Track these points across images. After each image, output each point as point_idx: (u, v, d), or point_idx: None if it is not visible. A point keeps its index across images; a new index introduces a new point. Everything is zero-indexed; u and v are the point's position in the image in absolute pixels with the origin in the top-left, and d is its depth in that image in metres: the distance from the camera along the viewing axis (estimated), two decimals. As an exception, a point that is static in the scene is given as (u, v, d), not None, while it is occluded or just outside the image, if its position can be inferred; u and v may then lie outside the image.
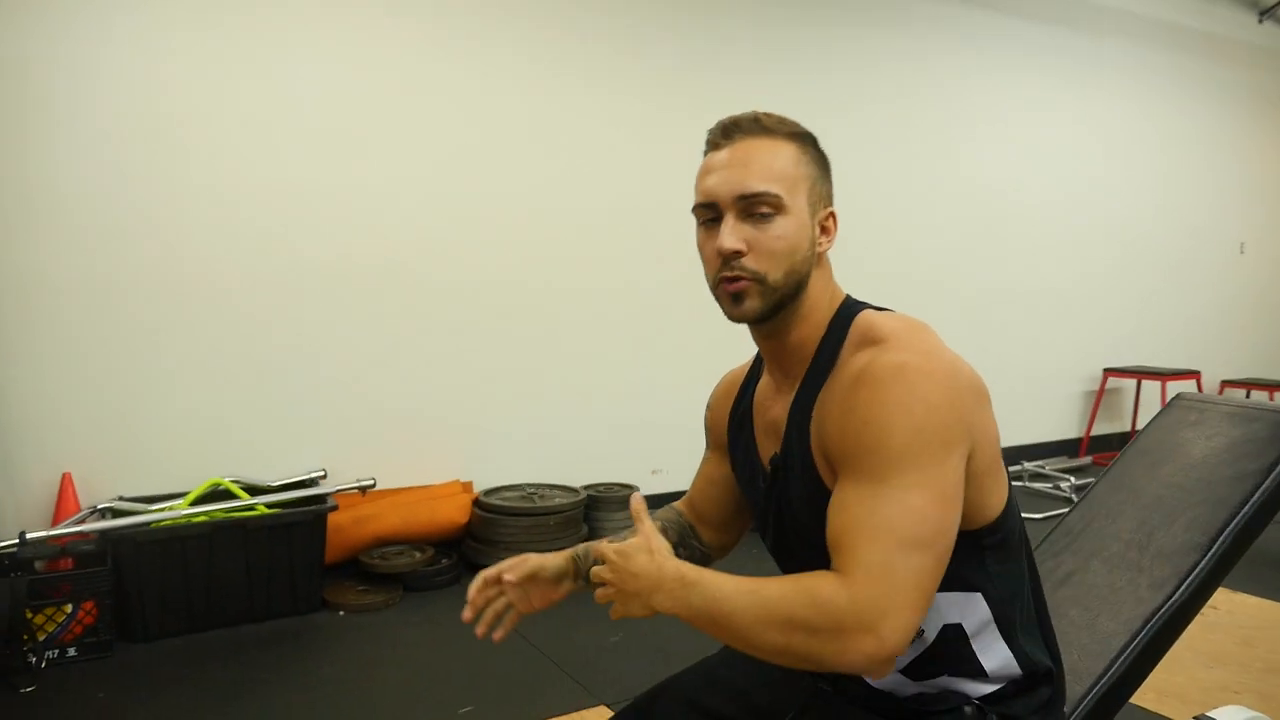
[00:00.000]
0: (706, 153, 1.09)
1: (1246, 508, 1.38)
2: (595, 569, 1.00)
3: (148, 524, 2.82)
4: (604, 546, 1.01)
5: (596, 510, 3.76)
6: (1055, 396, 5.61)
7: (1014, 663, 1.06)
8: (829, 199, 1.09)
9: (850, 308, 1.09)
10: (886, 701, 1.10)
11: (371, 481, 3.29)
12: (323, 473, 3.33)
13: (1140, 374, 5.50)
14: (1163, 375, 5.41)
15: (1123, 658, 1.27)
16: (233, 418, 3.27)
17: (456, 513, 3.48)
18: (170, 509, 2.95)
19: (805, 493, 1.05)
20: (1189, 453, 1.52)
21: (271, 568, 2.95)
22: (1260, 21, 6.14)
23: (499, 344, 3.77)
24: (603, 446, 4.04)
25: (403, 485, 3.53)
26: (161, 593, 2.81)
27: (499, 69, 3.69)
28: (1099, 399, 5.65)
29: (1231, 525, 1.36)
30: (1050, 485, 4.91)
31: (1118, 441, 5.84)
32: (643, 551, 0.98)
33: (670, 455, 4.17)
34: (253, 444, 3.30)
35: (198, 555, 2.84)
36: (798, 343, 1.09)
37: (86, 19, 2.95)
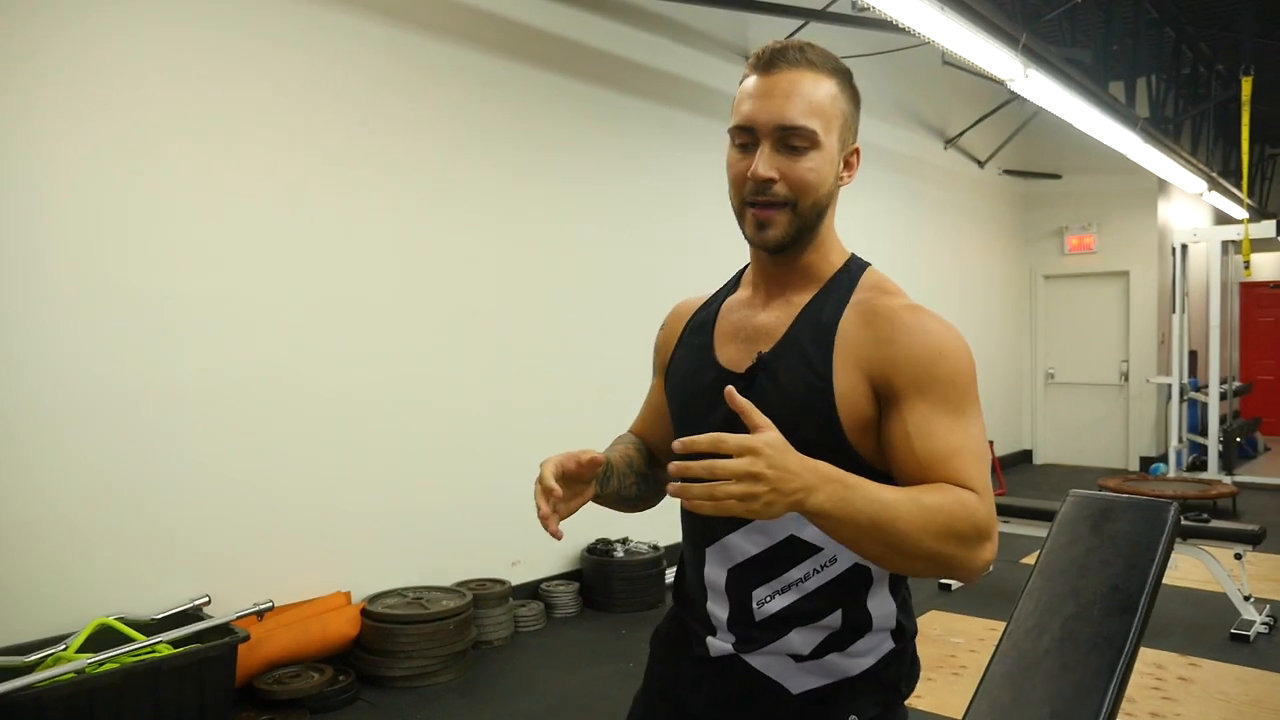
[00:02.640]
0: (748, 75, 1.11)
1: (1153, 571, 1.95)
2: (735, 462, 0.87)
3: (35, 683, 2.53)
4: (755, 424, 0.91)
5: (476, 608, 3.83)
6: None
7: (892, 619, 1.16)
8: (855, 135, 1.15)
9: (857, 256, 1.21)
10: (782, 707, 1.14)
11: (269, 604, 3.14)
12: (206, 599, 3.13)
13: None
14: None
15: (1110, 692, 1.76)
16: (96, 546, 2.99)
17: (347, 626, 3.42)
18: (55, 657, 2.67)
19: (798, 385, 1.09)
20: (1098, 534, 2.10)
21: (182, 712, 2.75)
22: (945, 148, 7.63)
23: (361, 449, 3.74)
24: (464, 542, 4.11)
25: (284, 602, 3.40)
26: (63, 758, 2.53)
27: (359, 180, 3.73)
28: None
29: (1148, 585, 1.93)
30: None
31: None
32: (789, 447, 0.91)
33: (528, 547, 4.34)
34: (120, 573, 3.04)
35: (105, 709, 2.59)
36: (808, 265, 1.16)
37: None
